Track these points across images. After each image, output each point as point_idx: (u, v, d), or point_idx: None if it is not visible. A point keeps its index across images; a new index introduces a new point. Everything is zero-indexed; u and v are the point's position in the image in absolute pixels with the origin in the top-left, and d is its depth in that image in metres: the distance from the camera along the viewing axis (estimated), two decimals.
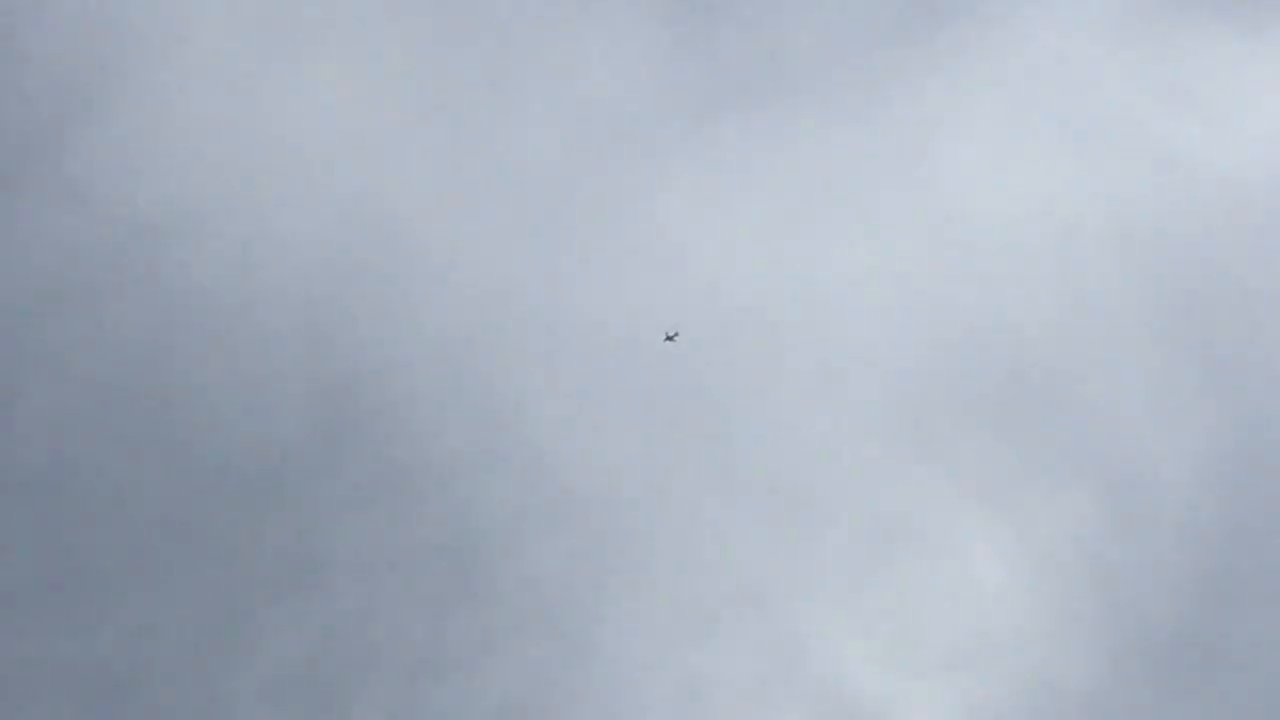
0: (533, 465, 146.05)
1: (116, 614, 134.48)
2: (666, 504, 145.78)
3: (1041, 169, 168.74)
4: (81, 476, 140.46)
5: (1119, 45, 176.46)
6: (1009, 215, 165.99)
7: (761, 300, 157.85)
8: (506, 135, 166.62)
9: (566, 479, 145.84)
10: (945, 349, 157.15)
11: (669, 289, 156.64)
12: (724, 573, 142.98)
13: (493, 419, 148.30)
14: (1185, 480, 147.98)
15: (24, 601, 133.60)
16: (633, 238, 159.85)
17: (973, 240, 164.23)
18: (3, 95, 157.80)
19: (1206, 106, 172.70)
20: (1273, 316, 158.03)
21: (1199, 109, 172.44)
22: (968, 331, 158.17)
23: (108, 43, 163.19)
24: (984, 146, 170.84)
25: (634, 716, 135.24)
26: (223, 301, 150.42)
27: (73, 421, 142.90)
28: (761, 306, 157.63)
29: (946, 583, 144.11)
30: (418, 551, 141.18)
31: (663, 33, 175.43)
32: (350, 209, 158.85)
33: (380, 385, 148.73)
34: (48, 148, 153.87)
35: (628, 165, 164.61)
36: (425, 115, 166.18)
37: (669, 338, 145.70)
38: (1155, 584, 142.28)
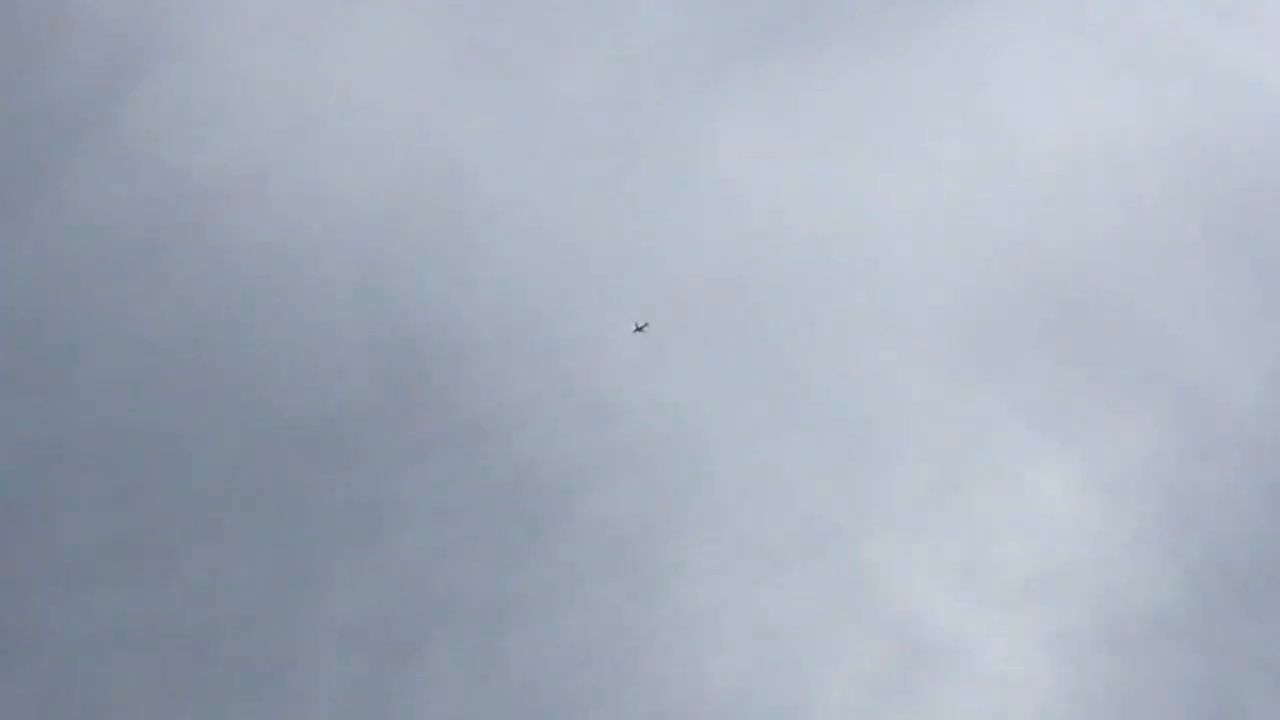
0: (597, 410, 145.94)
1: (185, 573, 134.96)
2: (732, 444, 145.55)
3: (1094, 90, 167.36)
4: (145, 438, 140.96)
5: None
6: (1063, 138, 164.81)
7: (818, 235, 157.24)
8: (560, 80, 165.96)
9: (632, 423, 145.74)
10: (1005, 276, 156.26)
11: (726, 228, 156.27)
12: (792, 510, 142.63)
13: (556, 365, 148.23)
14: (1252, 399, 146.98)
15: (94, 563, 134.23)
16: (688, 177, 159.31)
17: (1028, 165, 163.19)
18: (51, 61, 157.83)
19: (1263, 23, 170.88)
20: None
21: (1255, 26, 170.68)
22: (1027, 258, 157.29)
23: (155, 1, 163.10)
24: (1035, 69, 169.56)
25: (708, 658, 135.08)
26: (280, 257, 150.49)
27: (134, 384, 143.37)
28: (819, 242, 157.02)
29: (1015, 512, 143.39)
30: (486, 500, 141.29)
31: None
32: (405, 160, 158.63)
33: (442, 334, 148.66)
34: (99, 111, 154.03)
35: (681, 105, 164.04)
36: (478, 62, 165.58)
37: (638, 328, 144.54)
38: (1226, 504, 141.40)
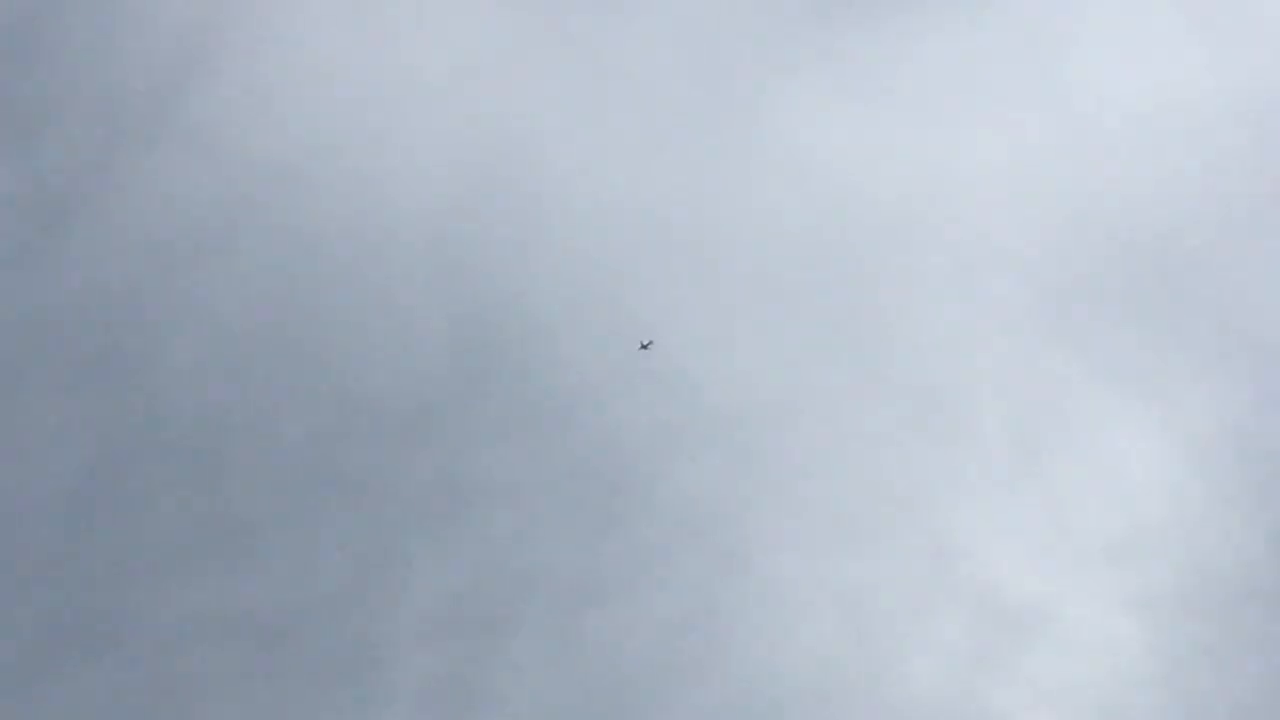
0: (677, 383, 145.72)
1: (269, 560, 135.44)
2: (811, 414, 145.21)
3: (1171, 49, 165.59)
4: (226, 425, 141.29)
5: None
6: (1140, 98, 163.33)
7: (894, 202, 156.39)
8: (631, 53, 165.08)
9: (711, 395, 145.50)
10: (1083, 238, 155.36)
11: (801, 197, 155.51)
12: (873, 479, 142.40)
13: (634, 340, 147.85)
14: None
15: (178, 552, 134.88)
16: (763, 147, 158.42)
17: (1105, 125, 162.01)
18: (120, 51, 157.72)
19: None
20: None
21: None
22: (1104, 219, 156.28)
23: None
24: (1112, 28, 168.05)
25: (793, 630, 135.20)
26: (357, 240, 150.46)
27: (214, 371, 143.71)
28: (895, 208, 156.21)
29: (1096, 475, 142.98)
30: (568, 477, 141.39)
31: None
32: (478, 138, 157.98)
33: (519, 312, 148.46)
34: (169, 99, 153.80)
35: (754, 74, 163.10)
36: (547, 38, 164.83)
37: (644, 346, 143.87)
38: None
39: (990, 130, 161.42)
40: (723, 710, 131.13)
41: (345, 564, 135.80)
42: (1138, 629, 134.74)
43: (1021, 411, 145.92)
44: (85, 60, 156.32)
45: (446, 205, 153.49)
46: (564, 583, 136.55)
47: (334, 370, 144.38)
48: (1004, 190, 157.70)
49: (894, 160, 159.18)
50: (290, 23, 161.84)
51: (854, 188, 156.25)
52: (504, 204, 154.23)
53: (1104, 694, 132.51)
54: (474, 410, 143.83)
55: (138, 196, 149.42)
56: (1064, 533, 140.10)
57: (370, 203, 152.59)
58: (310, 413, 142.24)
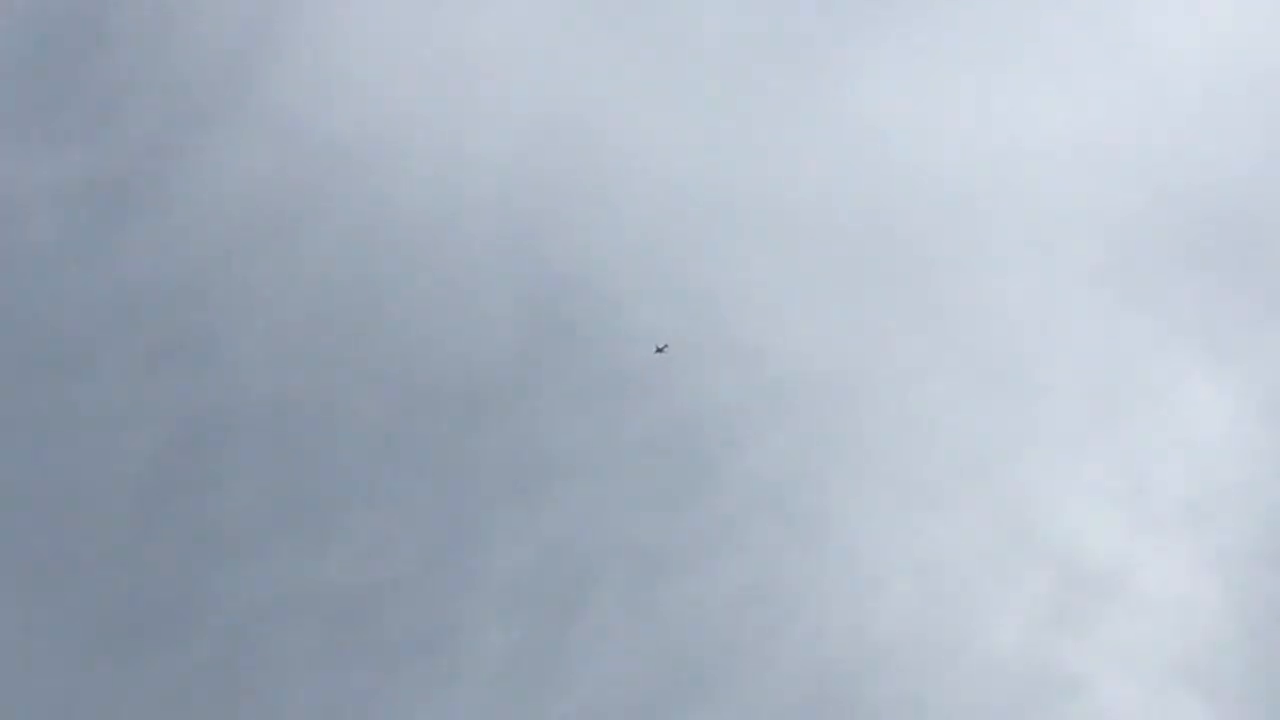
0: (748, 355, 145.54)
1: (345, 539, 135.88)
2: (885, 381, 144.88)
3: (1239, 10, 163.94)
4: (300, 406, 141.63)
5: None
6: (1208, 60, 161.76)
7: (964, 169, 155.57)
8: (695, 25, 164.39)
9: (782, 365, 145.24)
10: (1153, 201, 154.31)
11: (870, 166, 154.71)
12: (948, 445, 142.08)
13: (703, 311, 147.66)
14: None
15: (255, 533, 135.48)
16: (830, 116, 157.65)
17: (1174, 88, 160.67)
18: (186, 36, 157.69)
19: None
20: None
21: None
22: (1175, 181, 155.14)
23: None
24: None
25: (870, 596, 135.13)
26: (422, 220, 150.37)
27: (287, 353, 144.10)
28: (964, 175, 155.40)
29: (1173, 435, 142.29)
30: (641, 450, 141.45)
31: None
32: (542, 114, 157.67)
33: (589, 286, 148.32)
34: (235, 83, 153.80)
35: (820, 43, 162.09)
36: (612, 12, 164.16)
37: (659, 349, 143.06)
38: None
39: (1058, 93, 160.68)
40: (801, 679, 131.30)
41: (421, 541, 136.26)
42: (1216, 588, 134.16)
43: (1096, 373, 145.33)
44: (151, 45, 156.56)
45: (513, 182, 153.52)
46: (640, 554, 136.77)
47: (405, 349, 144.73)
48: (1074, 152, 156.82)
49: (961, 126, 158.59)
50: (355, 5, 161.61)
51: (922, 154, 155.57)
52: (570, 180, 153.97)
53: (1182, 654, 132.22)
54: (546, 385, 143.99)
55: (206, 180, 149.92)
56: (1141, 493, 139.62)
57: (436, 182, 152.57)
58: (382, 391, 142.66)
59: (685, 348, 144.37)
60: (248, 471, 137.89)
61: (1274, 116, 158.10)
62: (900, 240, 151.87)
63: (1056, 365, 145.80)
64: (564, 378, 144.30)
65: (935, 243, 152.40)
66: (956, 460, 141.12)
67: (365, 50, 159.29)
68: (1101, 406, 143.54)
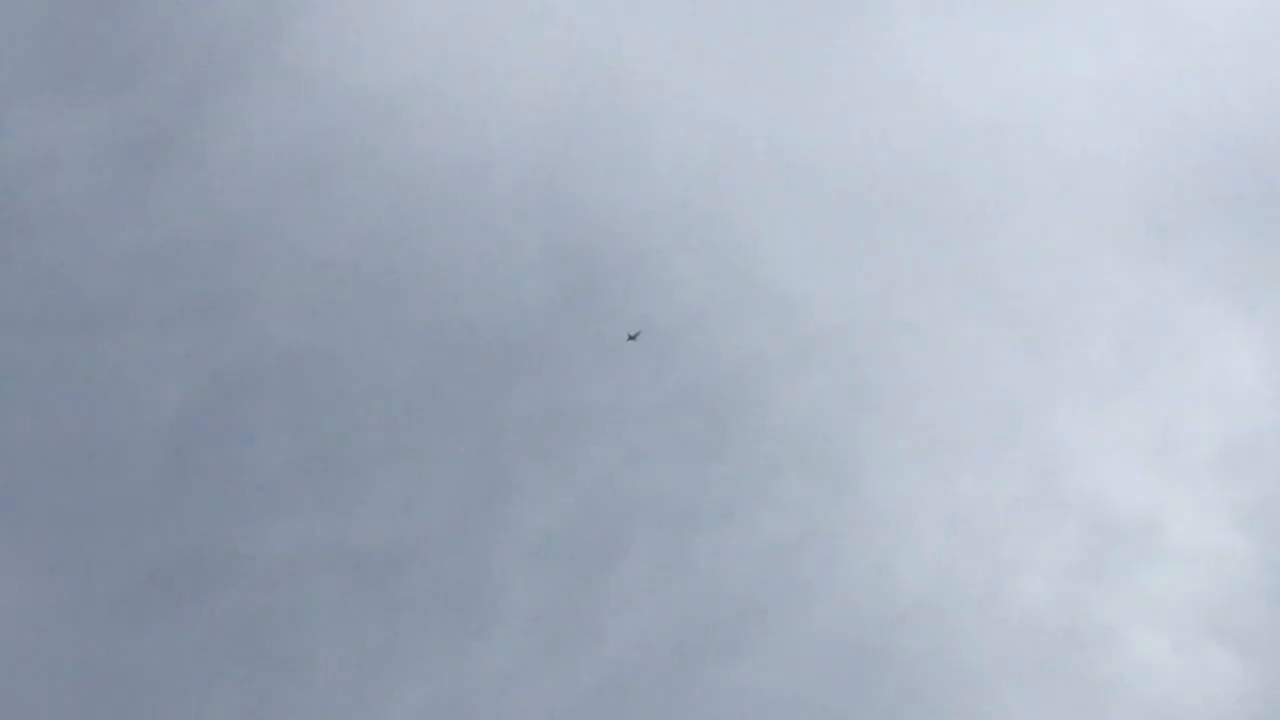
0: (780, 306, 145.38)
1: (377, 494, 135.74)
2: (915, 332, 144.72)
3: None
4: (330, 359, 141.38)
5: None
6: (1236, 8, 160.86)
7: (995, 119, 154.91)
8: None
9: (813, 317, 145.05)
10: (1183, 151, 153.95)
11: (900, 117, 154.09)
12: (979, 396, 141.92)
13: (735, 263, 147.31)
14: None
15: (286, 487, 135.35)
16: (861, 68, 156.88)
17: (1202, 36, 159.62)
18: None
19: None
20: None
21: None
22: (1204, 130, 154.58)
23: None
24: None
25: (901, 548, 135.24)
26: (454, 173, 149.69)
27: (316, 306, 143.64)
28: (996, 126, 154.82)
29: (1202, 386, 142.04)
30: (673, 402, 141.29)
31: None
32: (575, 65, 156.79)
33: (619, 239, 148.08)
34: (266, 36, 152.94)
35: None
36: None
37: (631, 337, 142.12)
38: None
39: (1091, 43, 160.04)
40: (833, 631, 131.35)
41: (453, 494, 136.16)
42: (1246, 539, 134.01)
43: (1126, 324, 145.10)
44: (179, 1, 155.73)
45: (544, 134, 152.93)
46: (671, 507, 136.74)
47: (436, 303, 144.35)
48: (1107, 103, 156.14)
49: (994, 77, 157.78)
50: None
51: (954, 105, 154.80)
52: (601, 130, 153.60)
53: (1213, 605, 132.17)
54: (577, 338, 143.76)
55: (236, 134, 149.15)
56: (1171, 445, 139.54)
57: (467, 134, 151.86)
58: (414, 345, 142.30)
59: (715, 301, 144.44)
60: (279, 425, 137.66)
61: None
62: (931, 192, 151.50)
63: (1087, 316, 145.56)
64: (595, 331, 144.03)
65: (966, 194, 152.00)
66: (986, 412, 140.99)
67: (396, 1, 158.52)
68: (1132, 357, 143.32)
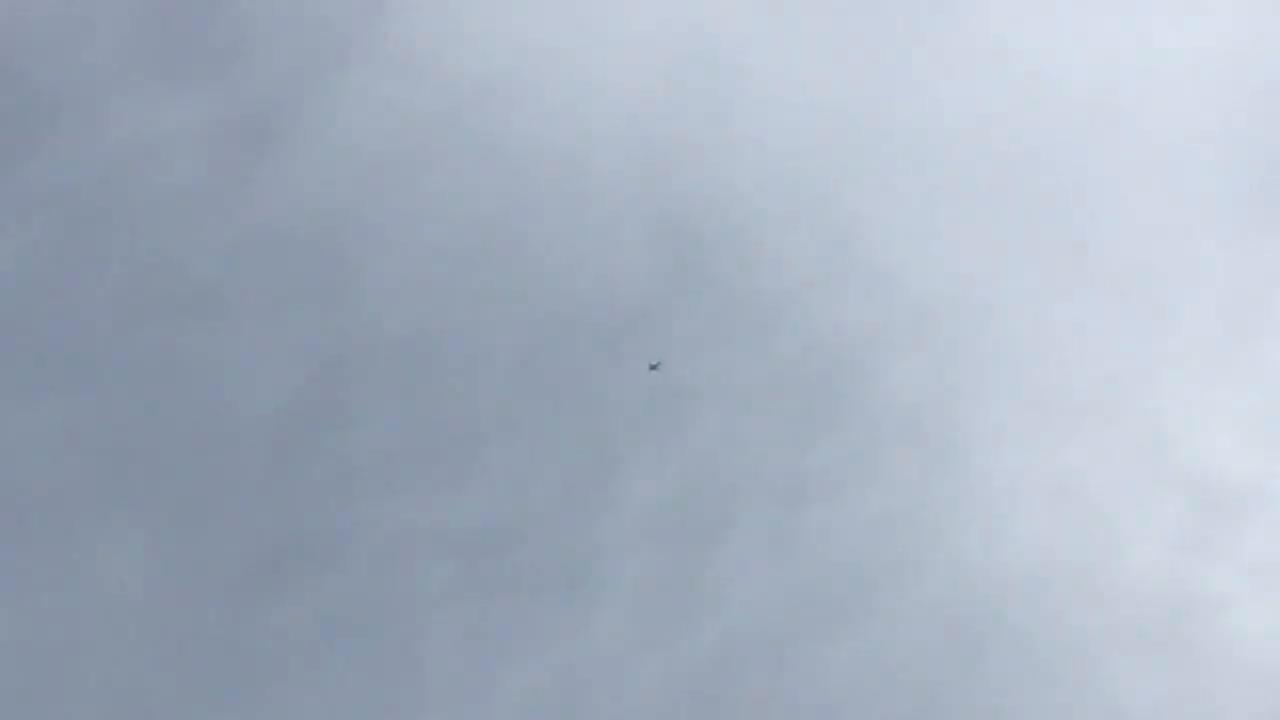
0: (883, 280, 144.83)
1: (485, 474, 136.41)
2: (1019, 304, 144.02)
3: None
4: (437, 340, 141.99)
5: None
6: None
7: (1097, 90, 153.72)
8: None
9: (918, 290, 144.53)
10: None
11: (998, 91, 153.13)
12: (1085, 368, 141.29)
13: (839, 238, 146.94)
14: None
15: (395, 467, 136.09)
16: (959, 41, 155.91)
17: None
18: None
19: None
20: None
21: None
22: None
23: None
24: None
25: (1009, 520, 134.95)
26: (557, 151, 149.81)
27: (422, 288, 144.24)
28: (1098, 96, 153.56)
29: None
30: (778, 378, 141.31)
31: None
32: (676, 42, 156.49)
33: (723, 216, 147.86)
34: (369, 19, 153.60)
35: None
36: None
37: (652, 367, 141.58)
38: None
39: (1190, 11, 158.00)
40: (941, 603, 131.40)
41: (560, 472, 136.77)
42: None
43: (1229, 293, 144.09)
44: None
45: (647, 111, 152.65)
46: (778, 482, 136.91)
47: (541, 280, 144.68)
48: (1208, 72, 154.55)
49: (1094, 45, 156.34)
50: None
51: (1055, 75, 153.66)
52: (704, 108, 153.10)
53: None
54: (682, 315, 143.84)
55: (340, 118, 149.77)
56: (1277, 412, 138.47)
57: (570, 112, 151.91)
58: (520, 325, 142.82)
59: (819, 275, 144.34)
60: (387, 406, 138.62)
61: None
62: (1033, 162, 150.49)
63: (1191, 285, 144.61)
64: (700, 306, 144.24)
65: (1066, 166, 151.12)
66: (1091, 384, 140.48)
67: None
68: (1236, 325, 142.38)
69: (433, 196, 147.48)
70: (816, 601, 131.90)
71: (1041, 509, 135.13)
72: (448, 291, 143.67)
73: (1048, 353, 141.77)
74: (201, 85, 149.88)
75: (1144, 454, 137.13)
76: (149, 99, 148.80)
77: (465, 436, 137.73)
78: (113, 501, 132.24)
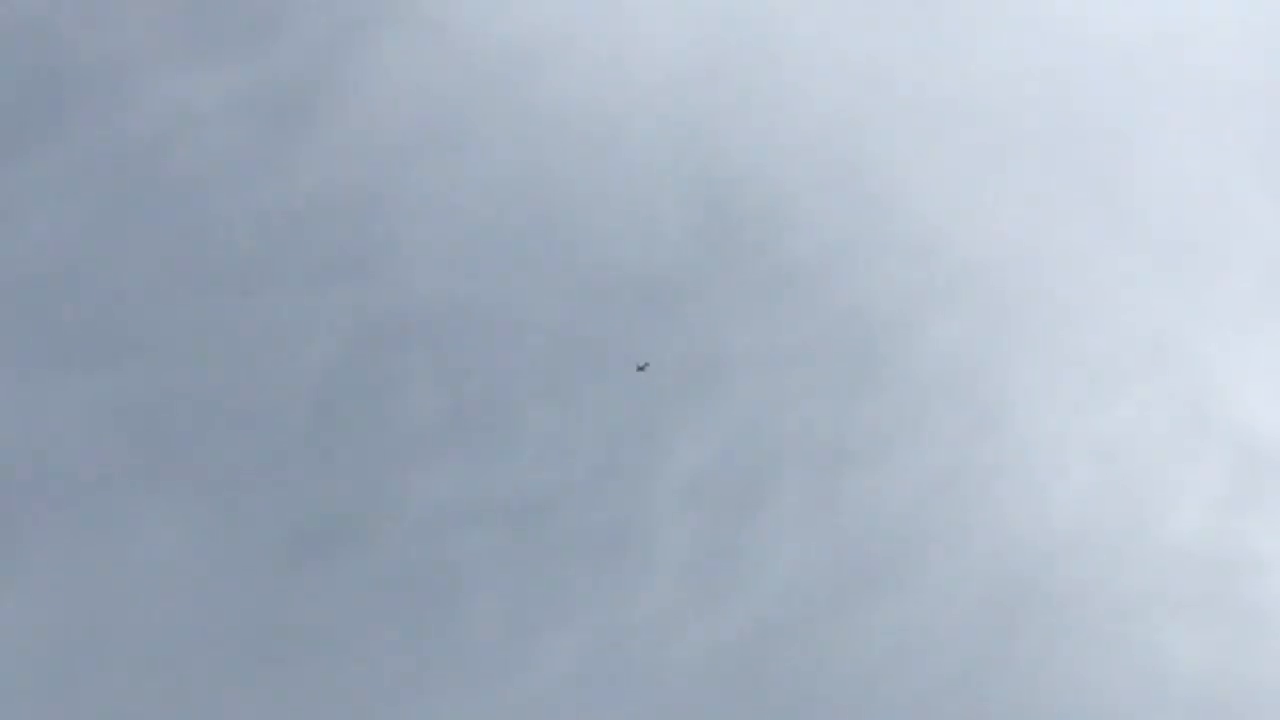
0: (924, 242, 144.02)
1: (526, 442, 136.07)
2: (1061, 265, 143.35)
3: None
4: (473, 309, 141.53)
5: None
6: None
7: (1138, 48, 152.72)
8: None
9: (958, 252, 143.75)
10: None
11: (1041, 49, 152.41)
12: (1127, 328, 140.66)
13: (878, 200, 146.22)
14: None
15: (433, 438, 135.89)
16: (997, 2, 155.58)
17: None
18: None
19: None
20: None
21: None
22: None
23: None
24: None
25: (1052, 482, 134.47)
26: (592, 119, 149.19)
27: (458, 255, 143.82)
28: (1135, 53, 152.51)
29: None
30: (818, 342, 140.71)
31: None
32: (711, 7, 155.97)
33: (762, 181, 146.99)
34: None
35: None
36: None
37: (640, 368, 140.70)
38: None
39: None
40: (986, 565, 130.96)
41: (602, 440, 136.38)
42: None
43: (1273, 250, 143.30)
44: None
45: (682, 75, 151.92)
46: (819, 447, 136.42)
47: (578, 249, 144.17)
48: (1251, 29, 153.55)
49: (1137, 2, 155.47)
50: None
51: (1097, 34, 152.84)
52: (740, 71, 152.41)
53: None
54: (722, 281, 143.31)
55: (375, 86, 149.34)
56: None
57: (606, 80, 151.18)
58: (558, 292, 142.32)
59: (859, 238, 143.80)
60: (426, 377, 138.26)
61: None
62: (1075, 120, 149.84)
63: (1232, 243, 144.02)
64: (738, 273, 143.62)
65: (1107, 124, 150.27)
66: (1135, 343, 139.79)
67: None
68: (1278, 288, 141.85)
69: (469, 163, 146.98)
70: (861, 565, 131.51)
71: (1086, 469, 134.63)
72: (486, 260, 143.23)
73: (1091, 313, 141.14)
74: (235, 58, 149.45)
75: (1188, 413, 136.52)
76: (183, 73, 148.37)
77: (505, 405, 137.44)
78: (152, 475, 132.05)
